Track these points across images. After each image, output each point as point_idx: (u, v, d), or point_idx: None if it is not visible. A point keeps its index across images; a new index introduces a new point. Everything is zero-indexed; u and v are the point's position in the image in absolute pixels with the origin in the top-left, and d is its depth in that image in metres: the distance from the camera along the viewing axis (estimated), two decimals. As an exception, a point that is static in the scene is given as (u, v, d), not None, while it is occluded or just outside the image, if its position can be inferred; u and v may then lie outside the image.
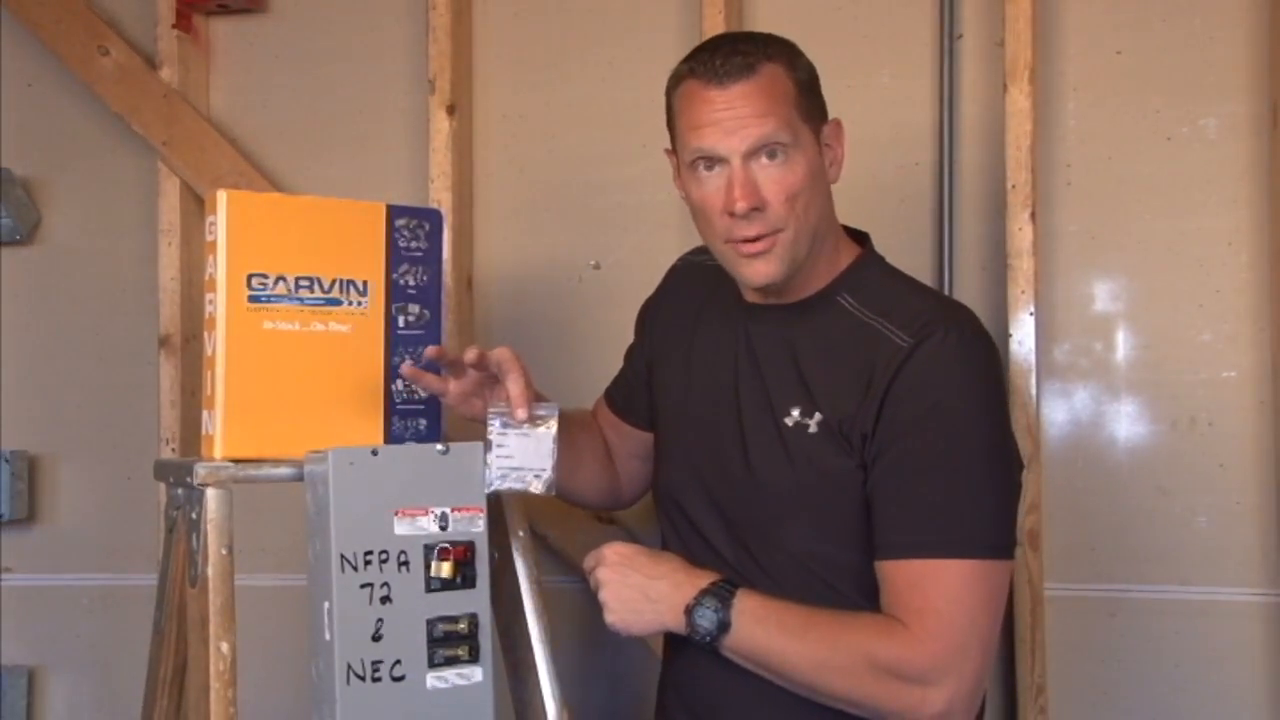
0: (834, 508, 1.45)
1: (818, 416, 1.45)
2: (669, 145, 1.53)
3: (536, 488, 1.48)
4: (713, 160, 1.42)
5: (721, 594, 1.42)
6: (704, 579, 1.44)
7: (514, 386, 1.47)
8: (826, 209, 1.49)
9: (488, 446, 1.48)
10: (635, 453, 1.74)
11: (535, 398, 1.50)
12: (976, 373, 1.43)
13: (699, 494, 1.56)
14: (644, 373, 1.71)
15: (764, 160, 1.41)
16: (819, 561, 1.47)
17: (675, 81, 1.48)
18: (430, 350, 1.50)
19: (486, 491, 1.47)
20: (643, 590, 1.45)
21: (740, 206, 1.40)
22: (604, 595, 1.47)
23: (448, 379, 1.52)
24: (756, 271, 1.45)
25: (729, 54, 1.42)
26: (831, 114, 1.50)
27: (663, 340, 1.68)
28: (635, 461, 1.74)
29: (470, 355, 1.48)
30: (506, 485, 1.48)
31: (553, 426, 1.49)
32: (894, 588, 1.39)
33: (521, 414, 1.47)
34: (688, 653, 1.54)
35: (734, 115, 1.40)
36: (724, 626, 1.41)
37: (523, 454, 1.48)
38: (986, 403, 1.44)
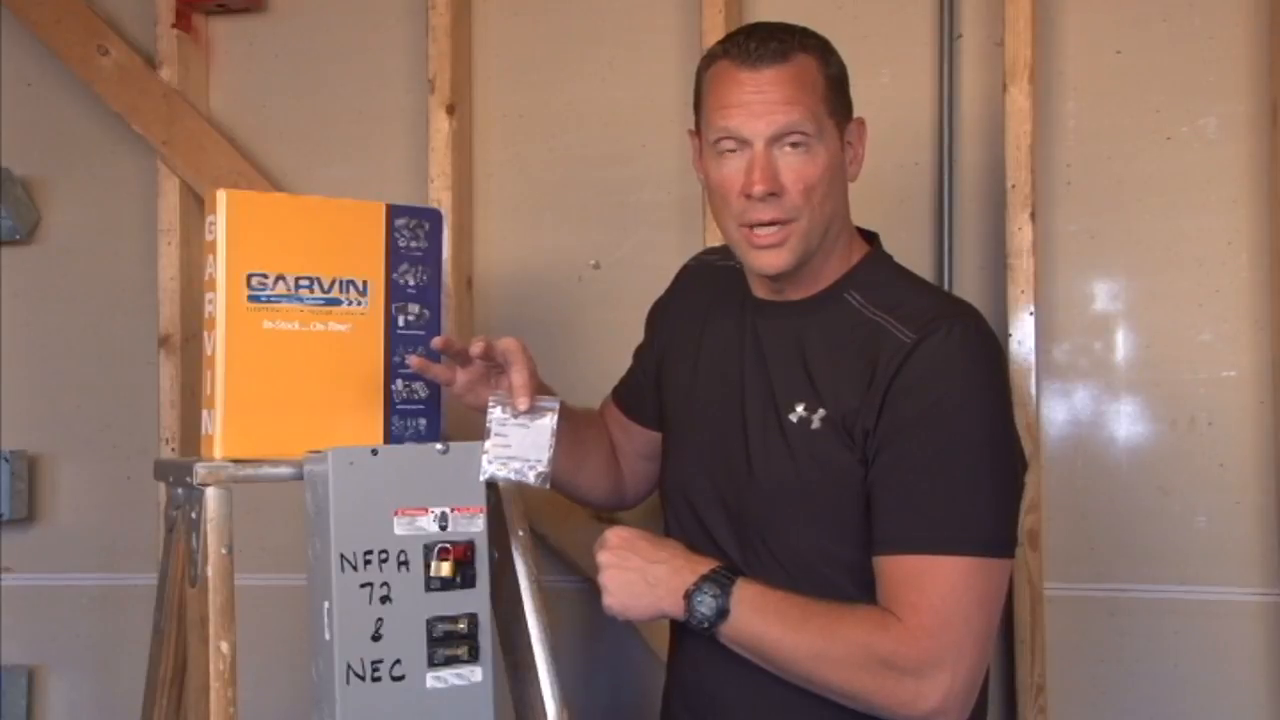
0: (836, 504, 1.45)
1: (821, 412, 1.45)
2: (693, 126, 1.53)
3: (531, 479, 1.48)
4: (736, 141, 1.43)
5: (721, 580, 1.42)
6: (704, 565, 1.44)
7: (517, 376, 1.47)
8: (842, 205, 1.50)
9: (486, 434, 1.47)
10: (641, 452, 1.74)
11: (539, 390, 1.50)
12: (979, 369, 1.43)
13: (705, 489, 1.56)
14: (653, 372, 1.71)
15: (786, 148, 1.42)
16: (820, 557, 1.46)
17: (708, 62, 1.49)
18: (436, 341, 1.50)
19: (481, 479, 1.46)
20: (642, 574, 1.44)
21: (758, 190, 1.41)
22: (603, 578, 1.46)
23: (454, 368, 1.52)
24: (767, 261, 1.46)
25: (765, 39, 1.43)
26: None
27: (672, 339, 1.68)
28: (641, 461, 1.75)
29: (476, 348, 1.48)
30: (502, 474, 1.47)
31: (553, 420, 1.49)
32: (890, 582, 1.39)
33: (522, 404, 1.47)
34: (691, 655, 1.55)
35: (763, 99, 1.41)
36: (722, 613, 1.40)
37: (520, 444, 1.48)
38: (989, 399, 1.43)
